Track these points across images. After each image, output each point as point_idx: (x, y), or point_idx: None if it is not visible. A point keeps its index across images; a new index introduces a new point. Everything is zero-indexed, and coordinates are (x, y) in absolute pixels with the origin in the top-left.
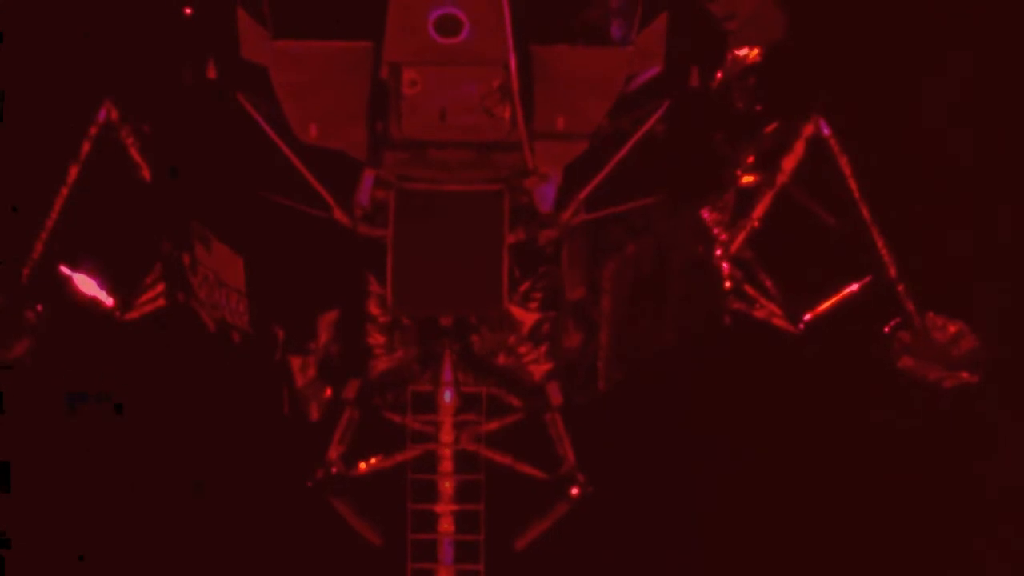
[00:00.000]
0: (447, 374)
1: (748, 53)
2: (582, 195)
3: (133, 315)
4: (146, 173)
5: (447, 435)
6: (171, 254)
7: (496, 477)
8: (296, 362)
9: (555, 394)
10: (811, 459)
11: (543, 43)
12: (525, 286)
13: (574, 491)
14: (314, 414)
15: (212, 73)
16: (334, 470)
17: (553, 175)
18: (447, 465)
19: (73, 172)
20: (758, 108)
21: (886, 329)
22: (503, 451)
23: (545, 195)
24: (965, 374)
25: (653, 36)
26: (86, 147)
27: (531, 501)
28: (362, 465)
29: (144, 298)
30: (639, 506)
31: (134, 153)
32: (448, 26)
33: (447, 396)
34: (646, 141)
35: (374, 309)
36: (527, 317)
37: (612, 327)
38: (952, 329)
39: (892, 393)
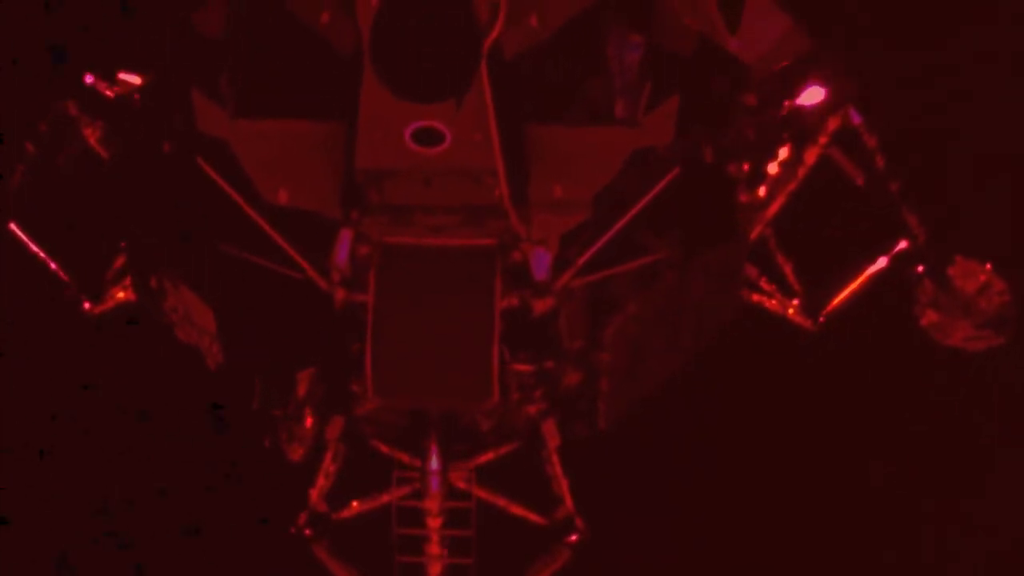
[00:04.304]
0: (434, 463)
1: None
2: (581, 261)
3: (103, 307)
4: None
5: (435, 520)
6: (137, 277)
7: (487, 522)
8: (276, 412)
9: (551, 434)
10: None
11: (539, 122)
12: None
13: (572, 539)
14: (296, 455)
15: (167, 148)
16: (318, 511)
17: (549, 242)
18: (435, 548)
19: (29, 148)
20: (781, 113)
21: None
22: (496, 490)
23: (541, 261)
24: (992, 334)
25: (663, 117)
26: (43, 128)
27: (525, 548)
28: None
29: (114, 289)
30: (645, 555)
31: (95, 144)
32: (428, 138)
33: (434, 484)
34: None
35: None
36: (520, 368)
37: (614, 378)
38: (982, 278)
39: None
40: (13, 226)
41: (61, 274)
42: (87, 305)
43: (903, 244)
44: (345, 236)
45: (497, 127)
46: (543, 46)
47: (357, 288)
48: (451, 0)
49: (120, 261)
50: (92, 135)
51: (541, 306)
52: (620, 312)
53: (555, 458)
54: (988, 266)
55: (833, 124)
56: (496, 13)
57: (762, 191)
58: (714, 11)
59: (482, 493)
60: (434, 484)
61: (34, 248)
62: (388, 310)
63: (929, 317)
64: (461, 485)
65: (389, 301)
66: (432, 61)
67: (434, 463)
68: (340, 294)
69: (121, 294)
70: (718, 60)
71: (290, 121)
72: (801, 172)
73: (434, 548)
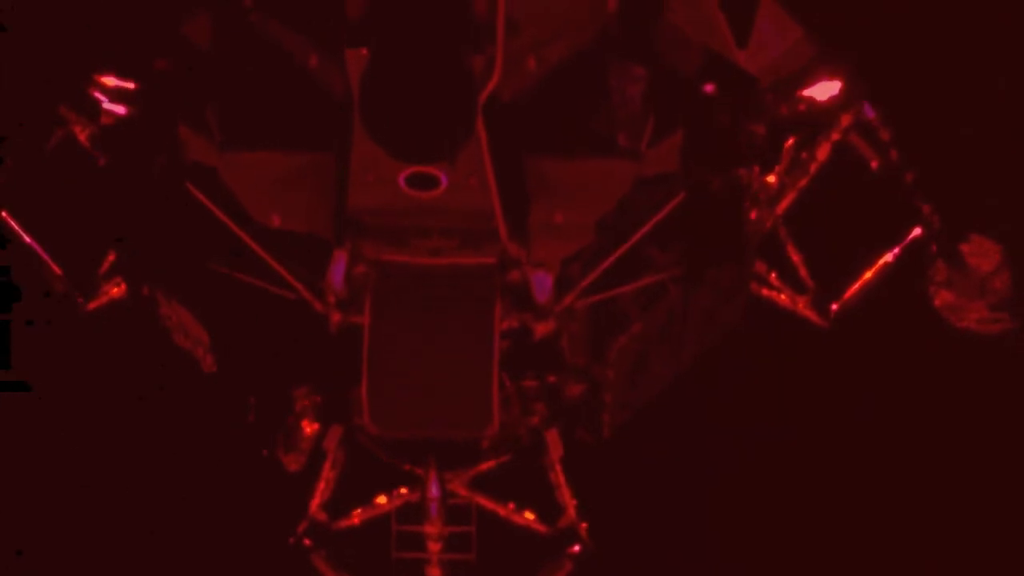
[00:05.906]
0: (433, 490)
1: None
2: (585, 283)
3: (96, 303)
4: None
5: (435, 544)
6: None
7: (488, 527)
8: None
9: (555, 444)
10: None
11: (540, 154)
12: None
13: (574, 549)
14: (294, 465)
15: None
16: (317, 520)
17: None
18: (435, 571)
19: (17, 143)
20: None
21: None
22: (498, 498)
23: (542, 283)
24: (1008, 317)
25: (667, 150)
26: (32, 125)
27: (527, 557)
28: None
29: (107, 285)
30: (650, 564)
31: (85, 142)
32: (423, 183)
33: (433, 510)
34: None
35: None
36: (521, 383)
37: (617, 392)
38: (997, 257)
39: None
40: (5, 215)
41: (54, 268)
42: (80, 300)
43: (917, 231)
44: (340, 257)
45: (494, 167)
46: (543, 81)
47: (353, 310)
48: (444, 58)
49: (113, 257)
50: (82, 133)
51: (543, 329)
52: (625, 332)
53: (559, 467)
54: (1000, 246)
55: (846, 120)
56: (492, 64)
57: (772, 178)
58: (723, 24)
59: (483, 501)
60: (433, 510)
61: (27, 240)
62: (385, 335)
63: (942, 298)
64: (462, 492)
65: (386, 324)
66: (425, 125)
67: (434, 490)
68: (335, 317)
69: (115, 290)
70: (724, 85)
71: (280, 152)
72: (813, 167)
73: (435, 571)
